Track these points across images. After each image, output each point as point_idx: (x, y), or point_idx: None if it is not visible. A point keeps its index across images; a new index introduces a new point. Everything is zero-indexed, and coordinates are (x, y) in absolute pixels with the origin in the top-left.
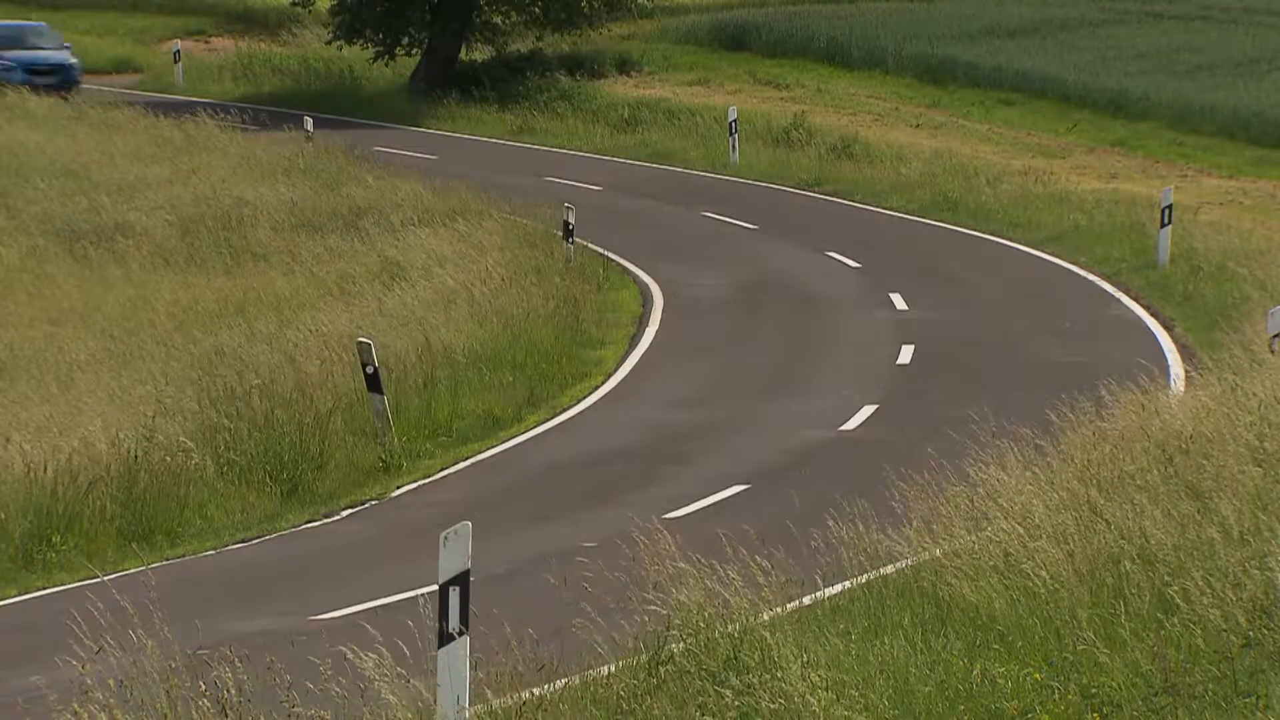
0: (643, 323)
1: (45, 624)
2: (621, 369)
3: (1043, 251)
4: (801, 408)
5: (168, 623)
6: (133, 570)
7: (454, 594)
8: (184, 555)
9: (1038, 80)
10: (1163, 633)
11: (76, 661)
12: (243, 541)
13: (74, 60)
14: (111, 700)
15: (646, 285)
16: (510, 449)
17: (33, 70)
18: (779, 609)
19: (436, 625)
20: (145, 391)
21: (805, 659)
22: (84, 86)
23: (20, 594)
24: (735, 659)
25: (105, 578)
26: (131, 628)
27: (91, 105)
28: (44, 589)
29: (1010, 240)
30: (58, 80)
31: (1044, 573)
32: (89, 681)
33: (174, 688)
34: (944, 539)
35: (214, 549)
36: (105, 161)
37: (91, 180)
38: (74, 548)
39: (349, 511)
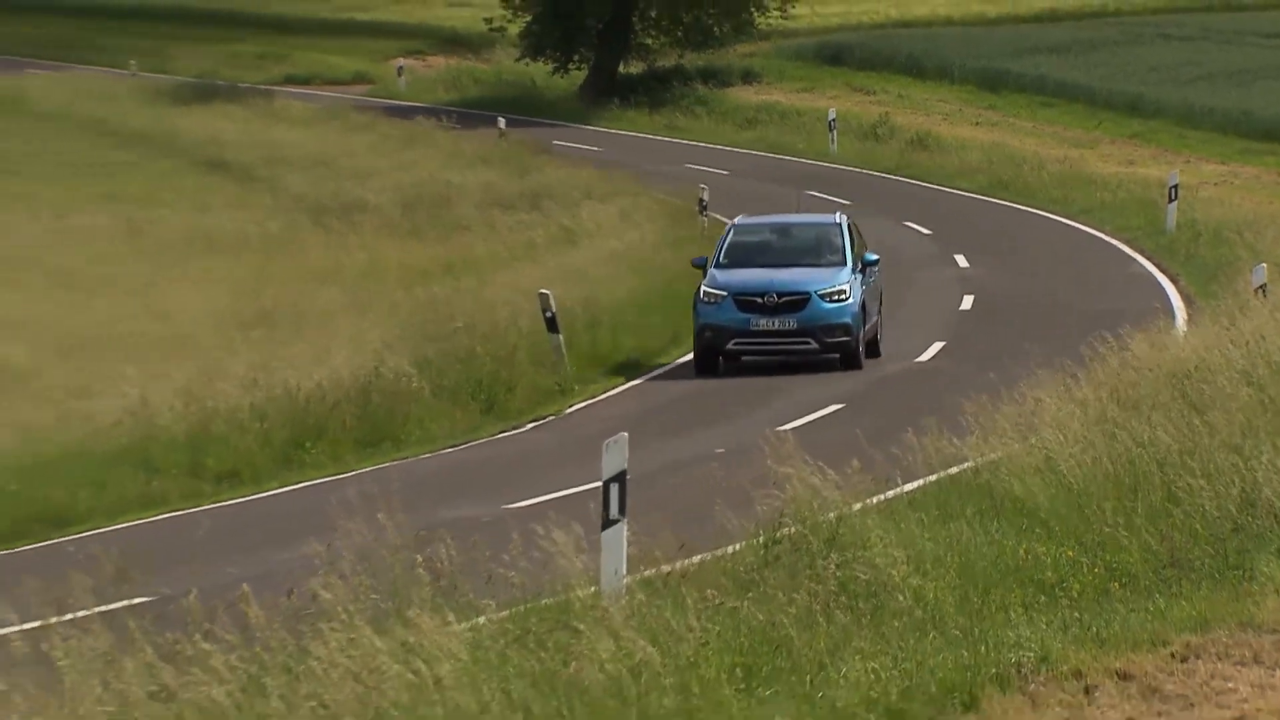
0: None
1: (302, 510)
2: None
3: (1076, 221)
4: (885, 344)
5: (395, 510)
6: (367, 469)
7: (614, 489)
8: (405, 458)
9: (1071, 88)
10: (1170, 520)
11: (327, 538)
12: (450, 447)
13: None
14: (356, 568)
15: None
16: (658, 377)
17: None
18: (868, 501)
19: (601, 513)
20: (377, 332)
21: (889, 540)
22: (328, 95)
23: (281, 487)
24: (834, 540)
25: (346, 475)
26: (368, 513)
27: (335, 109)
28: (299, 484)
29: (1050, 213)
30: None
31: (1077, 472)
32: (338, 553)
33: (401, 559)
34: (998, 446)
35: (429, 453)
36: (346, 154)
37: (335, 168)
38: (322, 452)
39: (533, 424)
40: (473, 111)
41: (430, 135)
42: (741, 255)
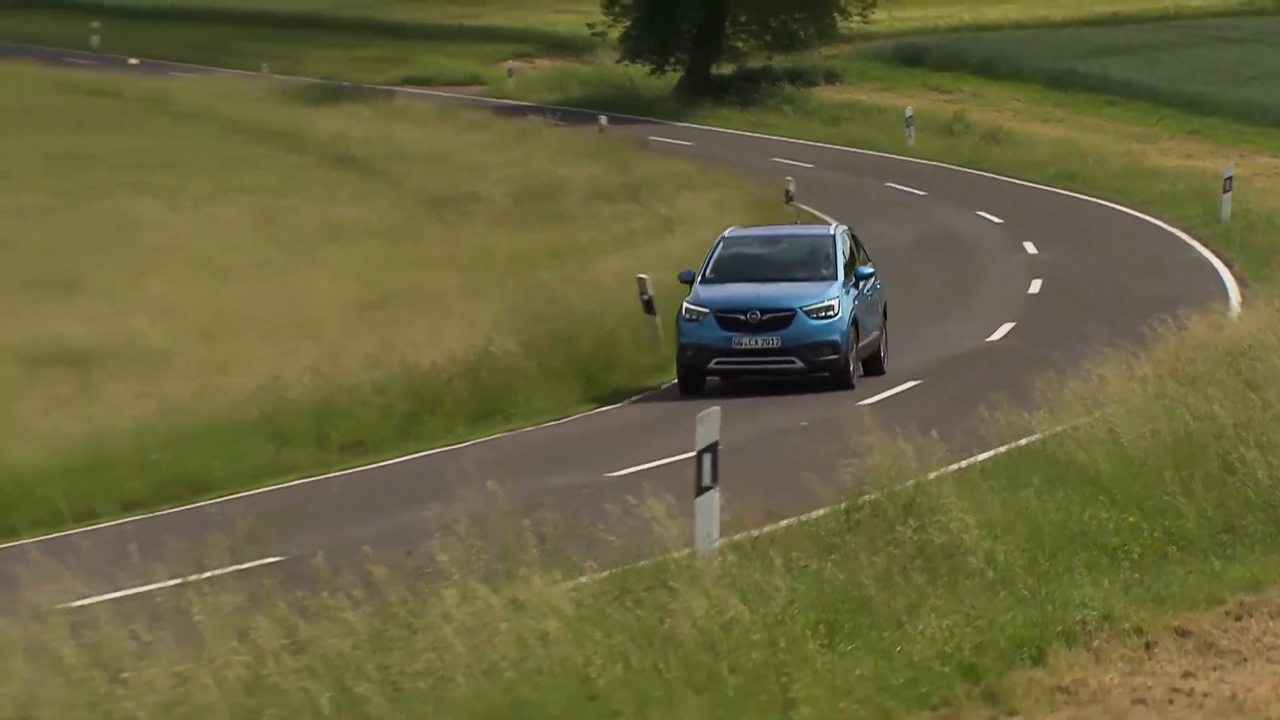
0: None
1: (420, 477)
2: None
3: (1137, 211)
4: (958, 325)
5: (504, 478)
6: (479, 440)
7: (707, 458)
8: (514, 430)
9: (1134, 87)
10: (1225, 488)
11: (443, 503)
12: (554, 421)
13: None
14: (469, 531)
15: None
16: None
17: None
18: (943, 470)
19: (694, 481)
20: (488, 315)
21: (962, 506)
22: (444, 95)
23: (400, 456)
24: (911, 506)
25: (460, 446)
26: (480, 480)
27: (451, 108)
28: (417, 453)
29: (1113, 203)
30: None
31: (1138, 444)
32: (454, 518)
33: (510, 523)
34: (1064, 419)
35: (534, 426)
36: (460, 149)
37: (450, 163)
38: (437, 424)
39: (630, 400)
40: (576, 110)
41: (538, 132)
42: (729, 270)
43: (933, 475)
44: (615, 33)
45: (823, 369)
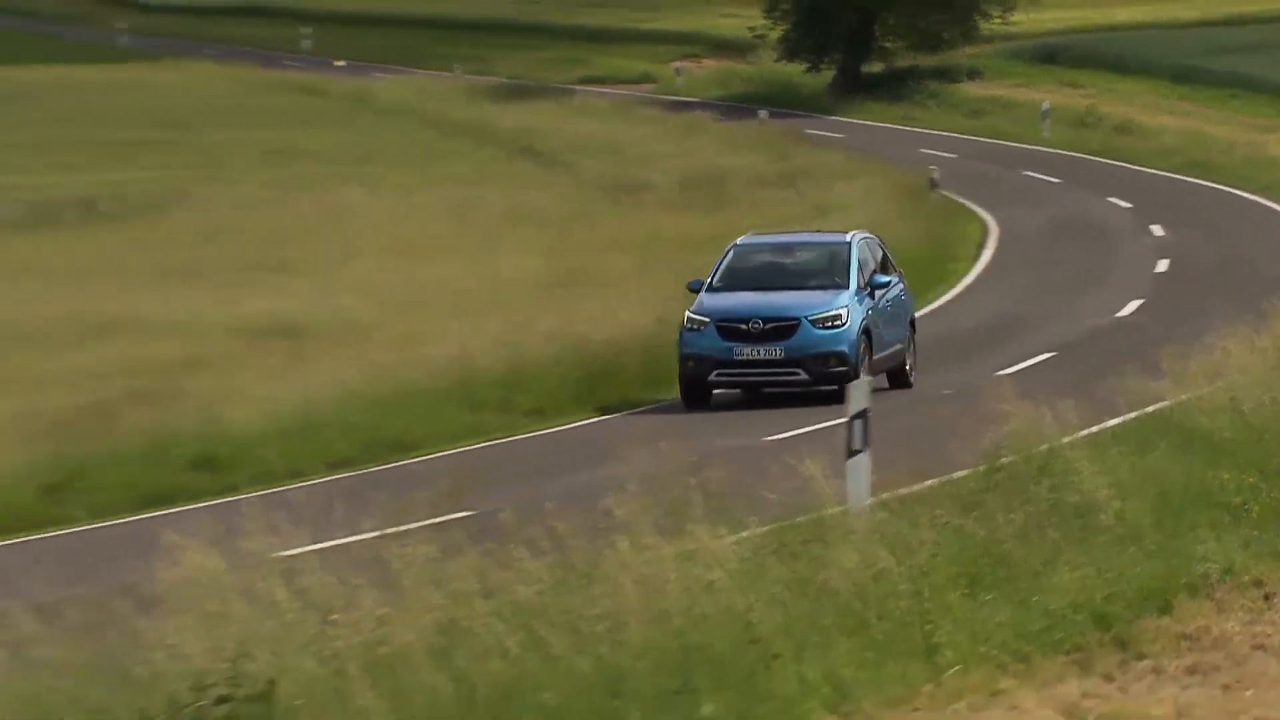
0: (983, 246)
1: (597, 439)
2: (968, 276)
3: (1258, 196)
4: (1091, 301)
5: (673, 440)
6: (649, 407)
7: (858, 424)
8: (675, 397)
9: (1257, 81)
10: None
11: (618, 464)
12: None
13: None
14: (642, 489)
15: (985, 221)
16: None
17: None
18: (1076, 434)
19: (845, 445)
20: (658, 292)
21: (1094, 468)
22: (619, 92)
23: (575, 421)
24: (1046, 468)
25: (631, 412)
26: (651, 442)
27: (625, 105)
28: (594, 418)
29: (1236, 189)
30: None
31: (1258, 411)
32: (627, 476)
33: (679, 481)
34: (1189, 387)
35: None
36: (633, 141)
37: (624, 154)
38: (612, 391)
39: None
40: (738, 105)
41: (703, 125)
42: (738, 278)
43: (1066, 440)
44: (775, 35)
45: (830, 381)
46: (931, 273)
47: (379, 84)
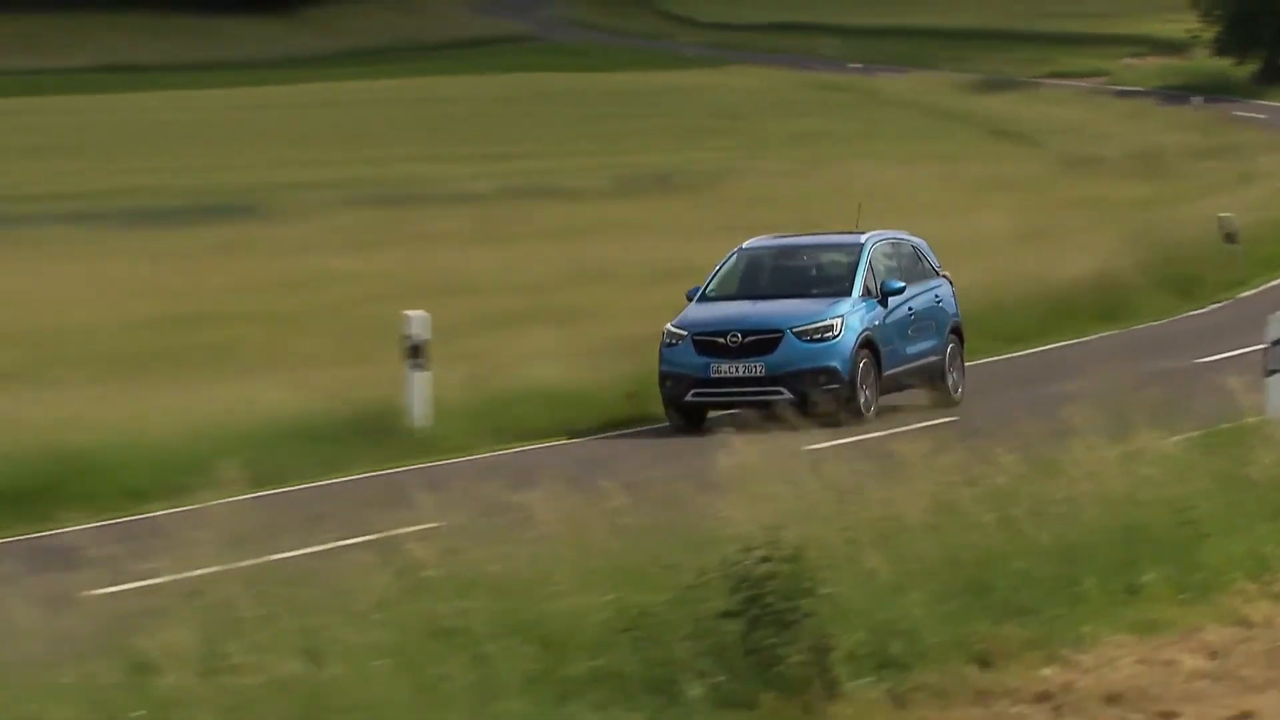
0: None
1: (1059, 361)
2: None
3: None
4: None
5: (1121, 362)
6: (1101, 335)
7: (1276, 349)
8: (1126, 328)
9: None
10: None
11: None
12: (1156, 321)
13: None
14: (1094, 400)
15: None
16: None
17: None
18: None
19: (1263, 365)
20: (1107, 243)
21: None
22: (1076, 85)
23: (1045, 345)
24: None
25: (1087, 339)
26: (1103, 363)
27: (1082, 94)
28: (1056, 343)
29: None
30: None
31: None
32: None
33: (1125, 395)
34: None
35: (1141, 325)
36: (1087, 123)
37: (1081, 133)
38: (1069, 325)
39: (1215, 305)
40: (1175, 93)
41: (1146, 110)
42: (734, 286)
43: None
44: (1208, 35)
45: (820, 401)
46: None
47: (885, 81)
